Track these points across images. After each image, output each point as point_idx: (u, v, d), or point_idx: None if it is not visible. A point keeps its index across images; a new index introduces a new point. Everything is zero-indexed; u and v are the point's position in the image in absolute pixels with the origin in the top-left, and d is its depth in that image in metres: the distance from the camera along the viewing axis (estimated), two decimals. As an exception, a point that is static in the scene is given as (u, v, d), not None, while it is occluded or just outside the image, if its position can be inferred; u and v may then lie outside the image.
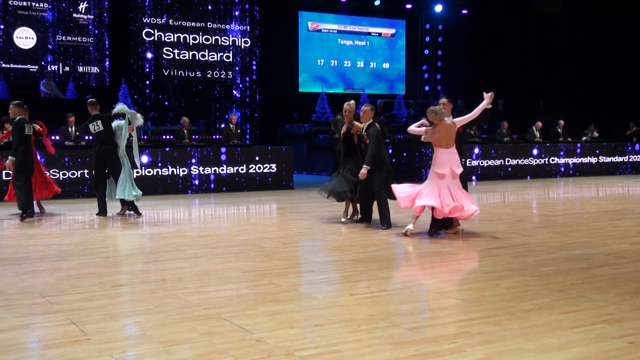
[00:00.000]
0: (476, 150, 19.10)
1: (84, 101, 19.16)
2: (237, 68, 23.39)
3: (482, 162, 19.15)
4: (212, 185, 15.58)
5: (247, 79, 23.55)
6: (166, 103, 22.25)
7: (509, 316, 5.03)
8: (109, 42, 21.52)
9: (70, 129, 15.58)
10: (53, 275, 6.77)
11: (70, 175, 14.18)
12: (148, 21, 21.99)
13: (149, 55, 22.06)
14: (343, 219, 10.47)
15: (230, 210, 12.85)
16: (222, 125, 20.66)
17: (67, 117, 15.62)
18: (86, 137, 16.80)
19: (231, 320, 4.96)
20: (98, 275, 6.72)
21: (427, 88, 27.91)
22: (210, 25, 22.89)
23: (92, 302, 5.57)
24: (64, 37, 20.88)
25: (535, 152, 20.08)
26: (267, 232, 9.60)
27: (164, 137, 19.07)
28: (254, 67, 23.62)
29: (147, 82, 22.00)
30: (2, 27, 20.01)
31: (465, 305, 5.38)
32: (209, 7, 22.82)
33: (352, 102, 10.30)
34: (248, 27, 23.45)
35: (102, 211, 11.44)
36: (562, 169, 20.54)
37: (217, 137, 19.98)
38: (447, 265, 7.14)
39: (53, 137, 16.18)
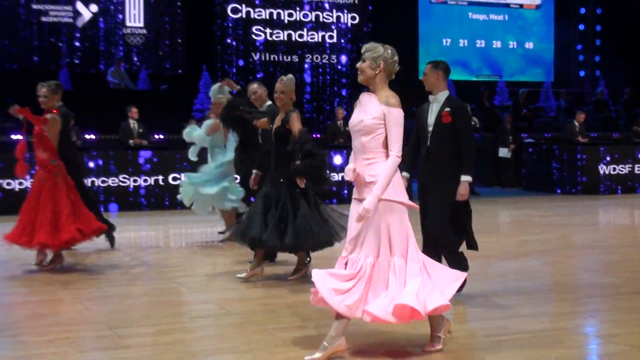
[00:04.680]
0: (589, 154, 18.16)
1: (159, 92, 19.94)
2: (342, 51, 23.47)
3: (605, 169, 18.13)
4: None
5: (354, 63, 23.57)
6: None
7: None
8: (188, 22, 22.00)
9: (132, 125, 15.74)
10: (122, 303, 6.99)
11: (142, 182, 14.58)
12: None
13: (236, 36, 22.39)
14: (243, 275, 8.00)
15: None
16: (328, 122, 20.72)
17: (128, 110, 15.72)
18: (157, 137, 17.27)
19: (335, 363, 4.97)
20: (174, 304, 6.88)
21: (582, 73, 27.21)
22: (309, -2, 23.08)
23: (168, 337, 5.71)
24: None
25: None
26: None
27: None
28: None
29: (234, 69, 22.32)
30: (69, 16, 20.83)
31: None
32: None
33: (288, 78, 7.85)
34: (356, 0, 23.51)
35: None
36: None
37: (316, 135, 20.14)
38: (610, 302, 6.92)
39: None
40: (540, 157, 18.67)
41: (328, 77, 23.39)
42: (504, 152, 19.09)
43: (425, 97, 7.10)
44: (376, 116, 5.19)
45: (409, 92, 7.70)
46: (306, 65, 23.14)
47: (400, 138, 5.18)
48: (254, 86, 9.03)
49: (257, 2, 22.49)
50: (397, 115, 5.17)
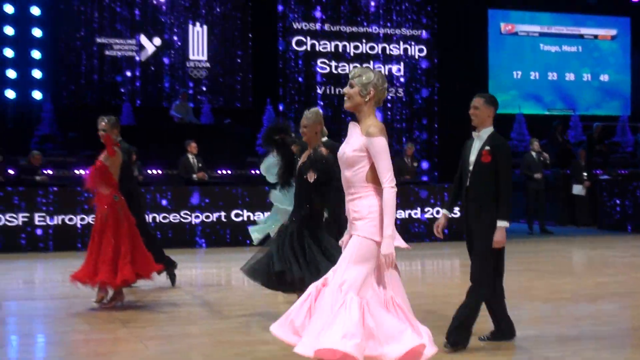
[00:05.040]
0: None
1: (222, 126, 20.12)
2: (410, 83, 23.44)
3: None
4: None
5: (422, 97, 23.50)
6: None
7: None
8: (253, 55, 22.24)
9: (192, 159, 15.87)
10: (182, 342, 7.03)
11: (204, 219, 14.71)
12: (299, 27, 22.57)
13: (299, 69, 22.55)
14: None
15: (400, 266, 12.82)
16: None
17: (187, 145, 15.85)
18: (219, 172, 17.45)
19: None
20: (236, 345, 6.89)
21: (660, 107, 26.79)
22: (375, 30, 23.16)
23: (229, 379, 5.72)
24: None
25: None
26: (448, 296, 9.47)
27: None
28: (433, 83, 23.58)
29: (296, 105, 22.34)
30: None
31: None
32: (374, 10, 23.09)
33: (311, 111, 7.83)
34: (424, 32, 23.52)
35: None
36: None
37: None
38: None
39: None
40: (612, 194, 18.35)
41: (397, 112, 23.34)
42: (578, 190, 18.78)
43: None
44: (357, 148, 5.07)
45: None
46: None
47: (390, 167, 5.03)
48: None
49: (321, 33, 22.66)
50: (380, 145, 5.01)
